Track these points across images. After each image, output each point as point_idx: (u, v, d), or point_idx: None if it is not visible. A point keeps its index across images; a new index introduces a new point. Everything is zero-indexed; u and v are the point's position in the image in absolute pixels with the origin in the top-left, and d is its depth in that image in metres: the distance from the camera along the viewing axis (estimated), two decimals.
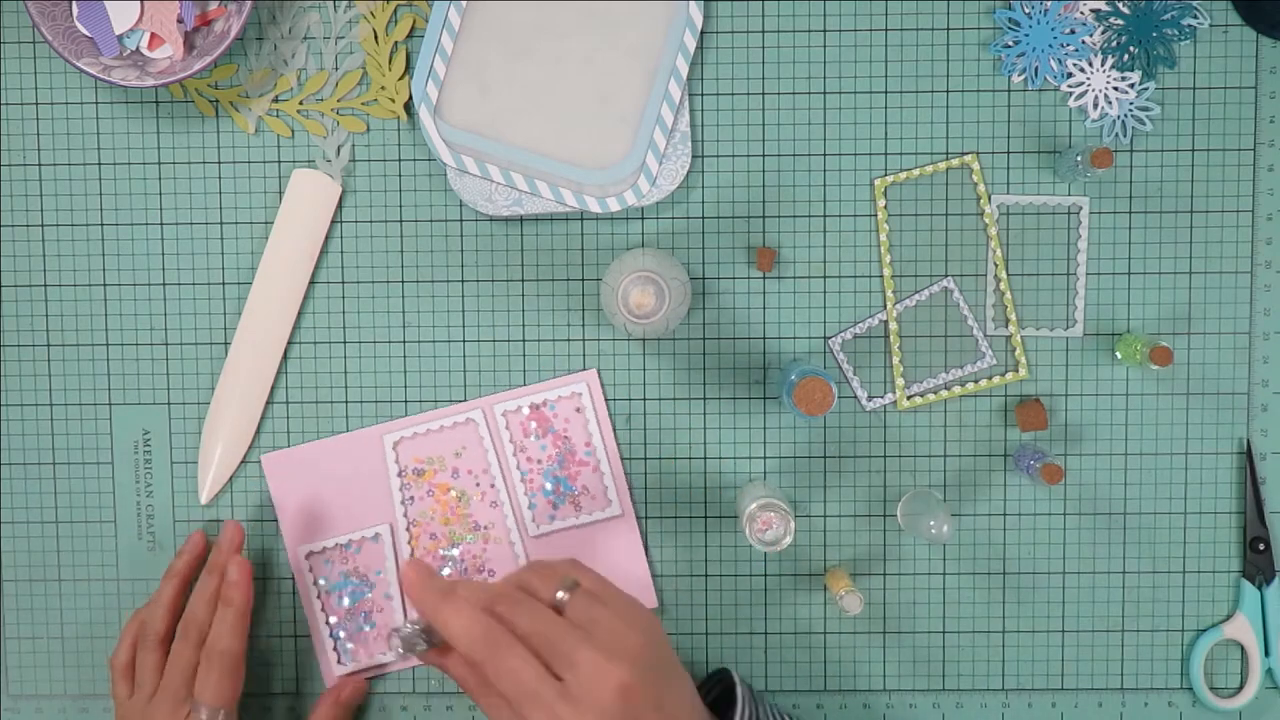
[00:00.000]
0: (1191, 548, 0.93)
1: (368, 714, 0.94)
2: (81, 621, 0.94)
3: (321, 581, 0.93)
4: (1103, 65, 0.90)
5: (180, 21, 0.88)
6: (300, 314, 0.92)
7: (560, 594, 0.75)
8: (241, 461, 0.93)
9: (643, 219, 0.92)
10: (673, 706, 0.74)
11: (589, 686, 0.71)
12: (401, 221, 0.92)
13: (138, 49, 0.89)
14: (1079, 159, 0.86)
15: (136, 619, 0.90)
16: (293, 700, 0.94)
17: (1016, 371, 0.92)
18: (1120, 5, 0.89)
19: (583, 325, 0.92)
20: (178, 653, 0.87)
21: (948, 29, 0.91)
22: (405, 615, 0.93)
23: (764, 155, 0.91)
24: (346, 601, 0.93)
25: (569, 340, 0.92)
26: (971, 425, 0.92)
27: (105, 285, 0.92)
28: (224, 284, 0.92)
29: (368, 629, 0.93)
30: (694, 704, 0.76)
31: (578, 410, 0.92)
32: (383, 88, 0.91)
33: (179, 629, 0.88)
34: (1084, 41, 0.90)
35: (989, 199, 0.91)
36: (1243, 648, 0.93)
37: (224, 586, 0.88)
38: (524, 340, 0.92)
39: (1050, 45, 0.90)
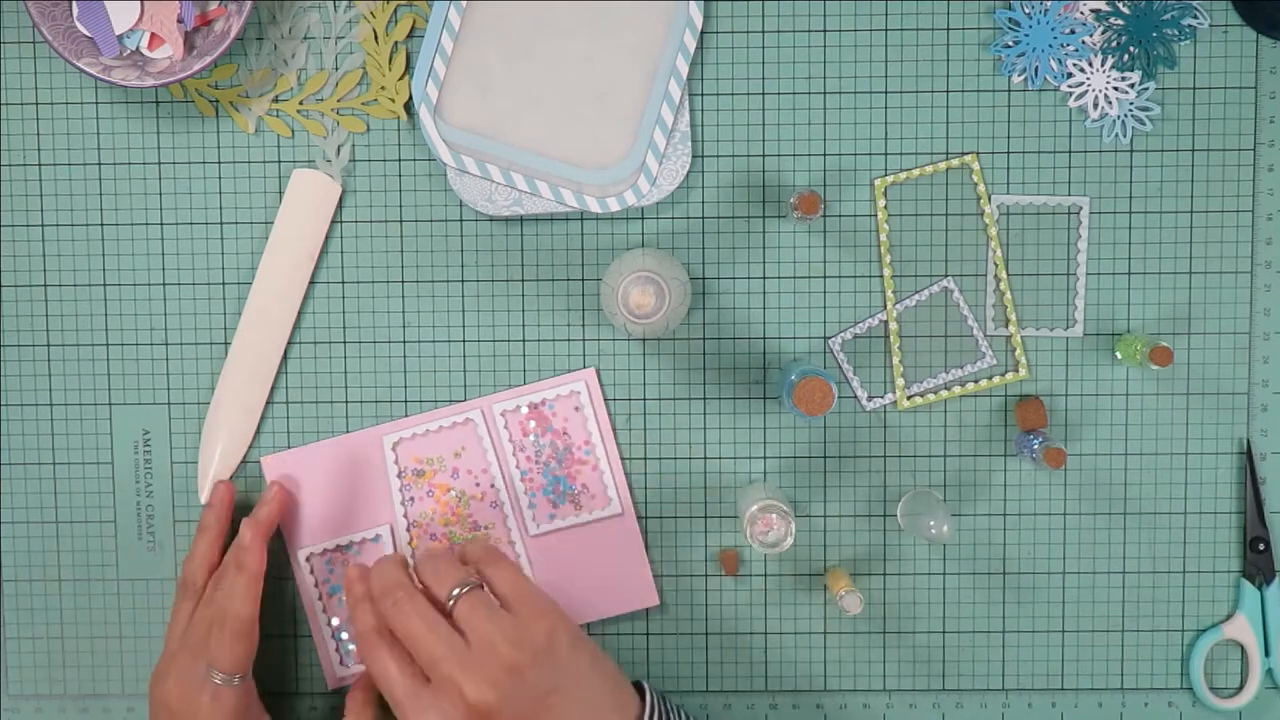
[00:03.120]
0: (1191, 547, 0.93)
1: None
2: (81, 621, 0.94)
3: (323, 583, 0.93)
4: (1103, 65, 0.90)
5: (180, 21, 0.88)
6: (300, 314, 0.92)
7: (455, 590, 0.78)
8: (241, 461, 0.93)
9: (643, 219, 0.92)
10: None
11: (442, 699, 0.75)
12: (401, 221, 0.92)
13: (138, 49, 0.89)
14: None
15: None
16: (293, 700, 0.94)
17: (1016, 371, 0.92)
18: (1120, 5, 0.89)
19: (582, 325, 0.92)
20: (181, 612, 0.87)
21: (948, 29, 0.91)
22: None
23: (764, 155, 0.91)
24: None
25: (568, 340, 0.92)
26: (971, 425, 0.92)
27: (105, 285, 0.92)
28: (224, 284, 0.92)
29: None
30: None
31: (576, 409, 0.92)
32: (383, 88, 0.91)
33: (177, 586, 0.88)
34: (1084, 41, 0.90)
35: (989, 199, 0.91)
36: (1243, 648, 0.93)
37: (237, 551, 0.86)
38: (524, 340, 0.92)
39: (1050, 45, 0.90)
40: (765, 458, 0.93)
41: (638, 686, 0.84)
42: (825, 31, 0.91)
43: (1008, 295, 0.91)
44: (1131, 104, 0.90)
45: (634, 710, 0.81)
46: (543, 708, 0.76)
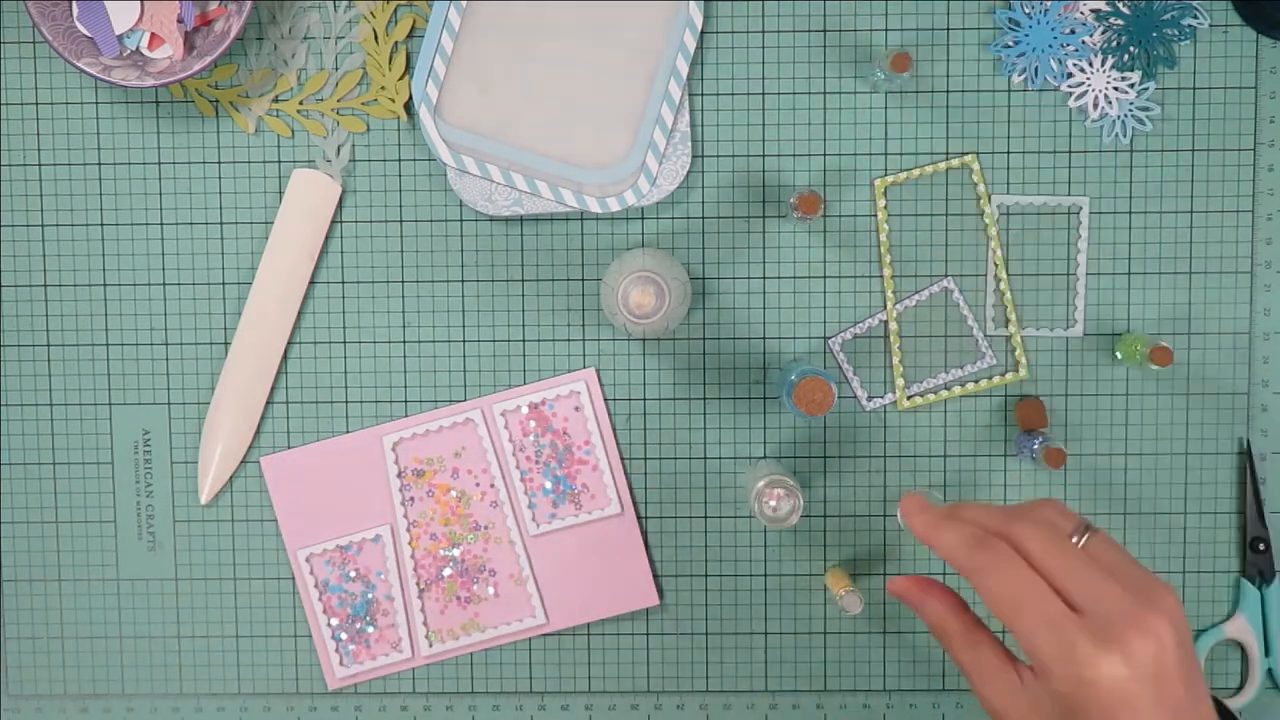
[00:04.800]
0: (1191, 548, 0.93)
1: (368, 714, 0.94)
2: (81, 621, 0.94)
3: (322, 583, 0.93)
4: (1103, 65, 0.90)
5: (180, 21, 0.88)
6: (300, 314, 0.92)
7: (1077, 537, 0.63)
8: (242, 461, 0.93)
9: (643, 219, 0.92)
10: (1198, 691, 0.61)
11: (1122, 630, 0.59)
12: (401, 221, 0.92)
13: (138, 49, 0.89)
14: (879, 68, 0.86)
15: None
16: (292, 700, 0.94)
17: (1016, 371, 0.92)
18: (1120, 5, 0.89)
19: (582, 325, 0.92)
20: None
21: (948, 29, 0.91)
22: (407, 617, 0.93)
23: (764, 155, 0.91)
24: (348, 603, 0.93)
25: (568, 340, 0.92)
26: (971, 425, 0.92)
27: (105, 285, 0.92)
28: (224, 284, 0.92)
29: (369, 630, 0.93)
30: (1210, 707, 0.62)
31: (576, 409, 0.92)
32: (383, 88, 0.91)
33: None
34: (1084, 41, 0.90)
35: (989, 199, 0.91)
36: (1243, 648, 0.93)
37: None
38: (524, 340, 0.92)
39: (1050, 45, 0.90)
40: (765, 458, 0.93)
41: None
42: (825, 31, 0.91)
43: (1008, 295, 0.91)
44: (1131, 104, 0.90)
45: None
46: (1194, 663, 0.61)
